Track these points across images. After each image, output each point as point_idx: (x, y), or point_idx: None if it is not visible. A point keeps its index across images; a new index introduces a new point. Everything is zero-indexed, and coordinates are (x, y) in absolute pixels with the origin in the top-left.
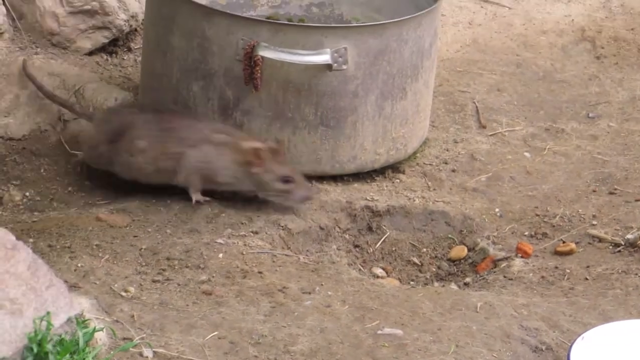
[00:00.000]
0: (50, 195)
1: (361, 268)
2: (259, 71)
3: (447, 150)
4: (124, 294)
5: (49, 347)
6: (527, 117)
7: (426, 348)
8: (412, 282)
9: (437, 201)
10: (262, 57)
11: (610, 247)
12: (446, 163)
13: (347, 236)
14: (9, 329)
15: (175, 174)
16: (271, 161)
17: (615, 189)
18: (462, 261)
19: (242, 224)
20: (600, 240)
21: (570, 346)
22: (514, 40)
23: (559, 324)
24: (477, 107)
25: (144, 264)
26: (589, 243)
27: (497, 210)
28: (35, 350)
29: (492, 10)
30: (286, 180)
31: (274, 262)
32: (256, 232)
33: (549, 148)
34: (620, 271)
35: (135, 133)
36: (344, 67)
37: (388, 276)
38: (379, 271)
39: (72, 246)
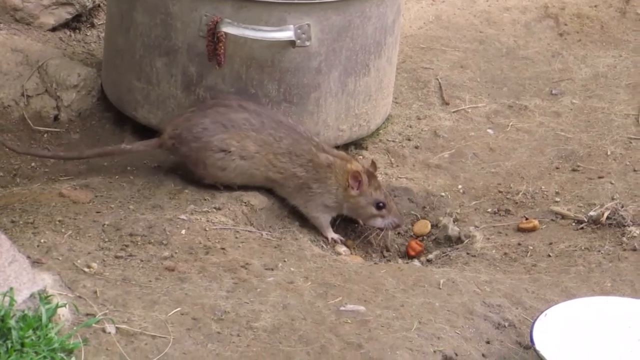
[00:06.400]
0: (14, 170)
1: (324, 245)
2: (222, 47)
3: (410, 127)
4: (86, 270)
5: (11, 322)
6: (490, 93)
7: (389, 324)
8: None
9: (400, 177)
10: (226, 34)
11: (573, 224)
12: (409, 140)
13: None
14: None
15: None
16: (368, 185)
17: (578, 166)
18: (425, 237)
19: (205, 200)
20: (563, 217)
21: (533, 323)
22: (477, 17)
23: (522, 301)
24: (440, 83)
25: (106, 240)
26: (552, 220)
27: (460, 186)
28: None
29: None
30: (380, 205)
31: (236, 238)
32: (219, 208)
33: (512, 125)
34: (583, 248)
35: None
36: (307, 43)
37: (351, 253)
38: (342, 249)
39: (35, 222)
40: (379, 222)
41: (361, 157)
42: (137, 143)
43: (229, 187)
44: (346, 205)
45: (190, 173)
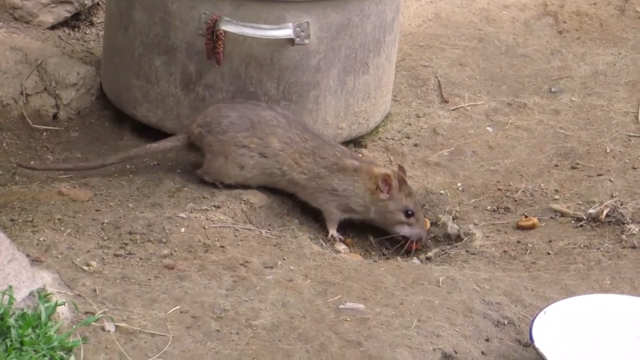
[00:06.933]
0: (13, 169)
1: (323, 243)
2: (221, 45)
3: (410, 125)
4: (86, 268)
5: (11, 321)
6: (489, 91)
7: (388, 322)
8: (373, 256)
9: None
10: (225, 32)
11: (572, 221)
12: (408, 137)
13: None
14: None
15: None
16: (398, 191)
17: (578, 164)
18: None
19: (204, 198)
20: (563, 214)
21: (532, 320)
22: (477, 14)
23: (521, 299)
24: (439, 81)
25: (106, 238)
26: (551, 217)
27: (459, 184)
28: None
29: None
30: (409, 213)
31: (236, 236)
32: (218, 206)
33: (511, 123)
34: (582, 246)
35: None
36: (306, 41)
37: (350, 251)
38: (342, 247)
39: (34, 220)
40: (405, 230)
41: (360, 154)
42: (162, 140)
43: (228, 186)
44: (374, 209)
45: (198, 166)
